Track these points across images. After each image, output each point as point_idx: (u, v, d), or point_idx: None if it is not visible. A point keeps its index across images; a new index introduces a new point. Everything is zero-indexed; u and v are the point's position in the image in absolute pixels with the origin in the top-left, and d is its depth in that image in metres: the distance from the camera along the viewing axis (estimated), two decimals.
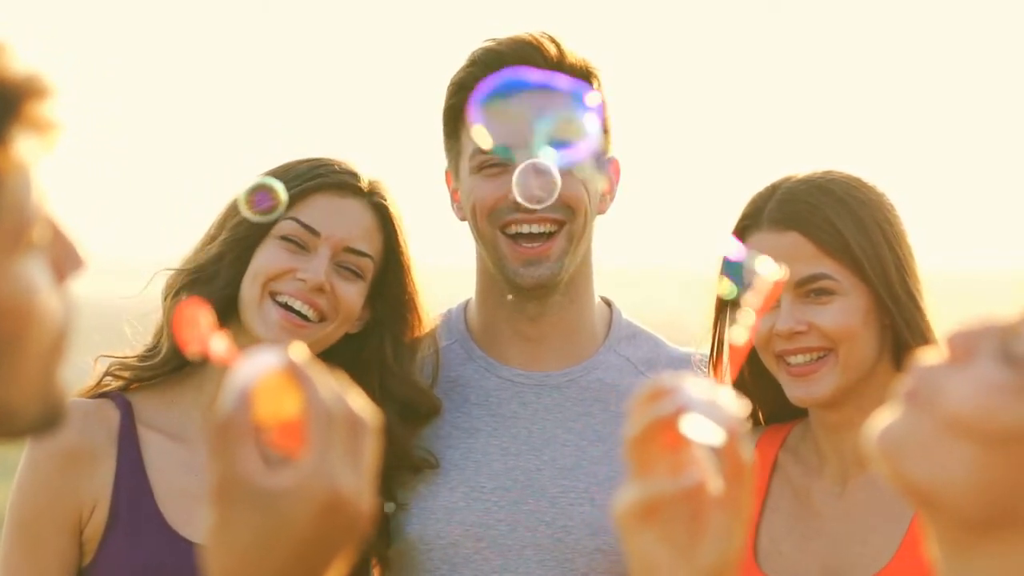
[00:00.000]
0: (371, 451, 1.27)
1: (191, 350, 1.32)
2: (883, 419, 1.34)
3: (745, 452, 1.39)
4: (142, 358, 2.86)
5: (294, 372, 1.26)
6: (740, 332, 1.50)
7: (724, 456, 1.38)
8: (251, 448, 1.24)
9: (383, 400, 2.84)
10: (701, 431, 1.37)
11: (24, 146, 1.24)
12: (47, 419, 1.30)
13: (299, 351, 1.27)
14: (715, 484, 1.39)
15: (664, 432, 1.38)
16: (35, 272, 1.25)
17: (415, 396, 2.90)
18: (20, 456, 2.83)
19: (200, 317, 1.31)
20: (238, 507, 1.23)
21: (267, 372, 1.25)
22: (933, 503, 1.31)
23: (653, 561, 1.39)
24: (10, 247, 1.23)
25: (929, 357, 1.34)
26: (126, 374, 2.86)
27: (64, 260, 1.29)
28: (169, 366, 2.84)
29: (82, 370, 2.87)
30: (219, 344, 1.32)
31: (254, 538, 1.23)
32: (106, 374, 2.87)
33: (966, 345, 1.31)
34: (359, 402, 1.28)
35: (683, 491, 1.38)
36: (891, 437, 1.33)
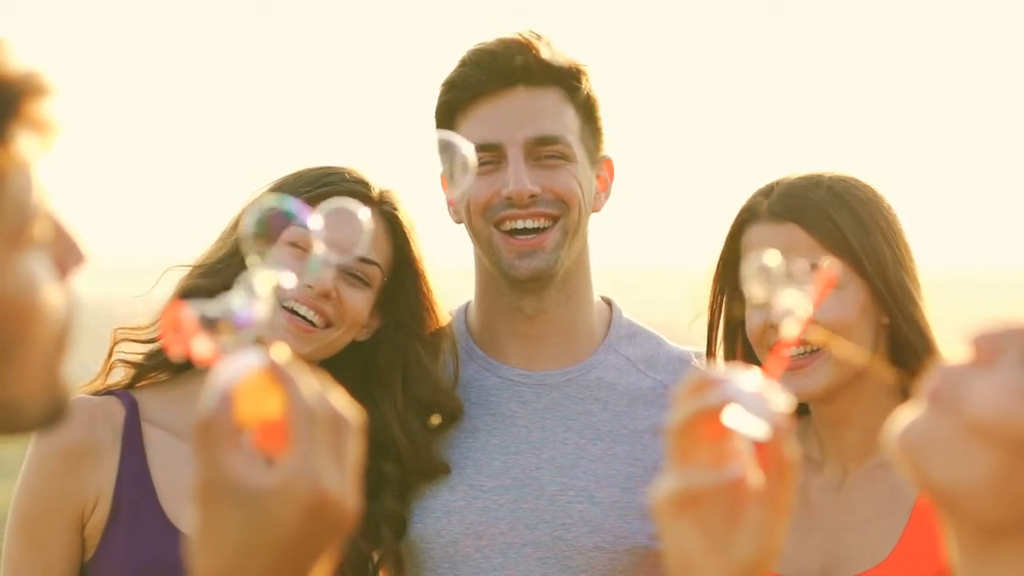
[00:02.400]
0: (355, 450, 1.26)
1: (174, 352, 1.32)
2: (905, 417, 1.32)
3: (789, 448, 1.37)
4: (150, 356, 2.87)
5: (276, 372, 1.25)
6: (792, 326, 1.49)
7: (767, 451, 1.37)
8: (234, 448, 1.23)
9: (406, 405, 2.86)
10: (745, 424, 1.35)
11: (24, 144, 1.24)
12: (51, 414, 1.30)
13: (281, 352, 1.27)
14: (755, 478, 1.37)
15: (707, 423, 1.37)
16: (38, 268, 1.25)
17: (439, 398, 2.90)
18: (21, 456, 2.84)
19: (185, 319, 1.31)
20: (222, 507, 1.23)
21: (249, 372, 1.24)
22: (953, 505, 1.29)
23: (688, 552, 1.38)
24: (12, 244, 1.23)
25: (953, 356, 1.32)
26: (135, 366, 2.86)
27: (66, 256, 1.29)
28: (176, 364, 2.85)
29: (86, 369, 2.87)
30: (203, 346, 1.32)
31: (239, 538, 1.22)
32: (118, 359, 2.87)
33: (991, 347, 1.29)
34: (342, 401, 1.27)
35: (723, 484, 1.36)
36: (913, 436, 1.30)
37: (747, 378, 1.38)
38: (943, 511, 1.32)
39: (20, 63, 1.24)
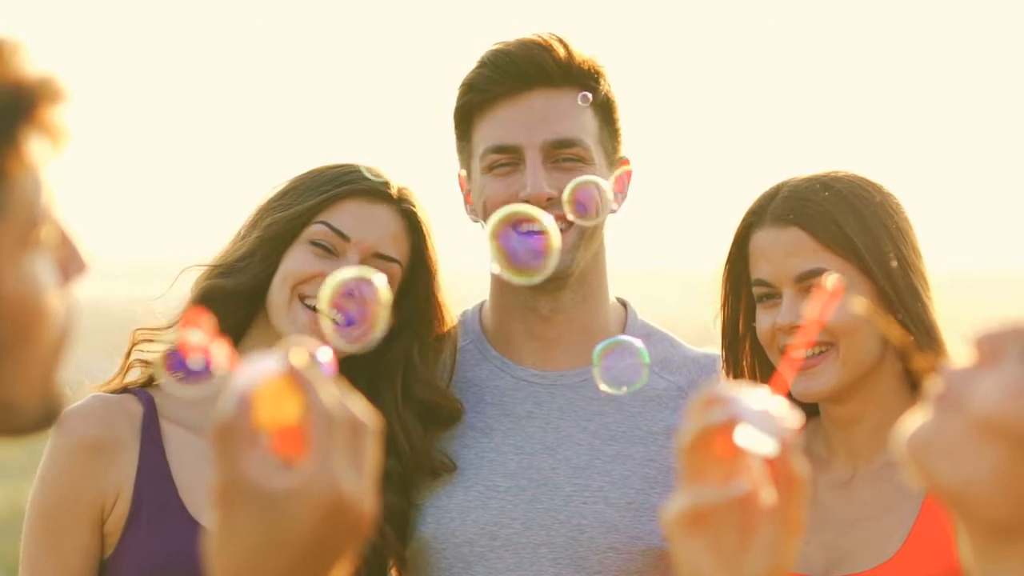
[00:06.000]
0: (372, 454, 1.26)
1: (193, 359, 1.30)
2: (912, 422, 1.33)
3: (798, 464, 1.37)
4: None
5: (295, 376, 1.24)
6: (799, 346, 1.50)
7: (776, 467, 1.36)
8: (253, 451, 1.22)
9: (405, 403, 2.84)
10: (754, 441, 1.35)
11: (36, 148, 1.23)
12: (44, 418, 1.30)
13: (299, 356, 1.26)
14: (767, 495, 1.37)
15: (717, 440, 1.36)
16: (42, 271, 1.26)
17: (437, 399, 2.89)
18: (20, 458, 2.83)
19: (204, 326, 1.30)
20: (241, 510, 1.22)
21: (268, 377, 1.24)
22: (963, 505, 1.30)
23: (700, 569, 1.37)
24: (19, 244, 1.24)
25: (958, 359, 1.33)
26: (152, 366, 2.85)
27: (69, 263, 1.29)
28: None
29: (88, 371, 2.87)
30: (221, 353, 1.30)
31: (257, 541, 1.22)
32: (136, 359, 2.86)
33: (993, 347, 1.29)
34: (359, 405, 1.26)
35: (733, 500, 1.36)
36: (920, 440, 1.31)
37: (755, 395, 1.37)
38: (954, 512, 1.32)
39: (36, 67, 1.23)
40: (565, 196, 2.76)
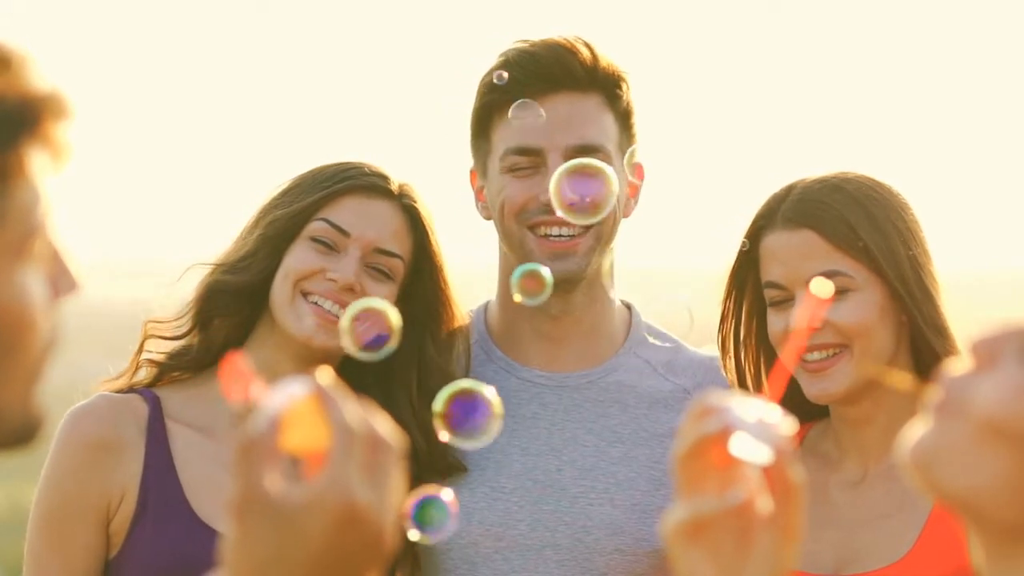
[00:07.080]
0: (396, 472, 1.24)
1: (236, 399, 1.30)
2: (914, 432, 1.32)
3: (794, 471, 1.36)
4: (173, 355, 2.84)
5: (319, 394, 1.23)
6: (788, 353, 1.50)
7: (772, 475, 1.36)
8: (273, 467, 1.21)
9: (421, 399, 2.82)
10: (749, 450, 1.34)
11: (36, 161, 1.23)
12: (24, 431, 1.29)
13: (325, 376, 1.25)
14: (764, 503, 1.36)
15: (713, 450, 1.36)
16: (34, 283, 1.25)
17: None
18: (20, 458, 2.81)
19: (244, 368, 1.29)
20: (257, 522, 1.21)
21: (296, 400, 1.23)
22: (972, 510, 1.29)
23: None
24: (14, 255, 1.24)
25: (956, 367, 1.33)
26: (158, 365, 2.84)
27: (59, 280, 1.29)
28: (198, 363, 2.83)
29: (89, 371, 2.86)
30: (261, 391, 1.30)
31: (271, 553, 1.21)
32: (144, 358, 2.85)
33: (990, 351, 1.29)
34: (385, 425, 1.25)
35: (730, 509, 1.35)
36: (923, 449, 1.31)
37: (749, 404, 1.36)
38: (964, 518, 1.32)
39: (43, 82, 1.23)
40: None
